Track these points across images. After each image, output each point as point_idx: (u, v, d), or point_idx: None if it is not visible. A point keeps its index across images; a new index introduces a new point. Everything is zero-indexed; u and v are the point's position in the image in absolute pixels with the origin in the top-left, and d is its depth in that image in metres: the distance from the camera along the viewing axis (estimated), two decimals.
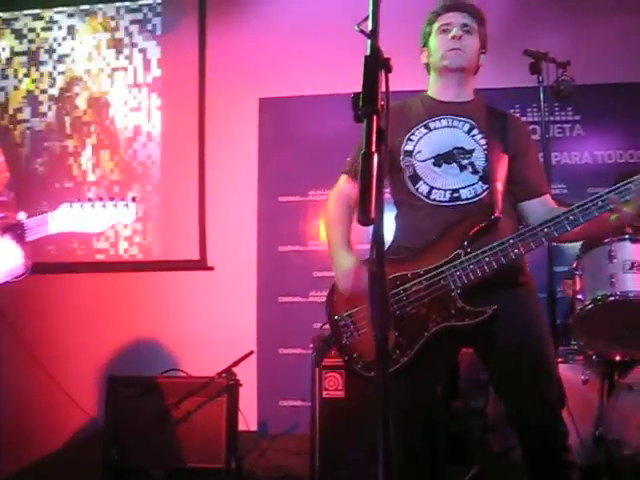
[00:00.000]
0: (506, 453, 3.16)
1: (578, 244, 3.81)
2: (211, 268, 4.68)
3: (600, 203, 2.00)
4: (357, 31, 1.41)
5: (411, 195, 2.25)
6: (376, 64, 1.26)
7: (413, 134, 2.27)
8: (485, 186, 2.20)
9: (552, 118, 4.54)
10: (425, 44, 2.37)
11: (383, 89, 1.27)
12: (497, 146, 2.23)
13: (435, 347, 2.11)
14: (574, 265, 3.05)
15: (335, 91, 4.09)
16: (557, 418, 2.17)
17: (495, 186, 2.18)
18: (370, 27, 1.30)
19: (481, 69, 2.38)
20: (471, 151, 2.23)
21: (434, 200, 2.21)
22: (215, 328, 4.43)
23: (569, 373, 3.17)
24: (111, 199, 2.44)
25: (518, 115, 4.54)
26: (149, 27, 4.93)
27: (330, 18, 4.51)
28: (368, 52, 1.28)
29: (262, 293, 4.58)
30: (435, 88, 2.36)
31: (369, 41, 1.29)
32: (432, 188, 2.22)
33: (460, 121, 2.28)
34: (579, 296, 2.94)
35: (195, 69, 4.85)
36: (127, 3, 4.96)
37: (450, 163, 2.22)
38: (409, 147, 2.26)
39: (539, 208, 2.27)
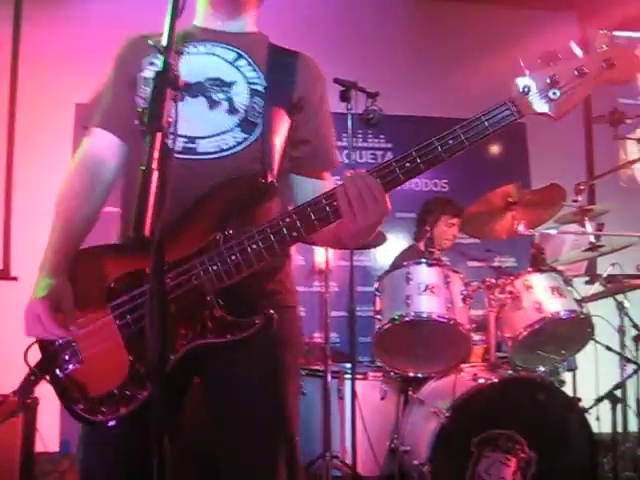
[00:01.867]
0: None
1: (385, 266, 4.04)
2: (15, 278, 4.41)
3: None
4: (151, 46, 1.39)
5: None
6: (165, 81, 1.25)
7: (156, 57, 1.57)
8: (245, 136, 1.58)
9: (365, 144, 4.79)
10: None
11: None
12: (279, 88, 1.65)
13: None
14: (376, 286, 3.19)
15: None
16: None
17: (272, 139, 1.59)
18: (164, 43, 1.29)
19: None
20: (231, 84, 1.62)
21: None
22: (15, 342, 4.15)
23: (368, 389, 3.33)
24: None
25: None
26: None
27: (152, 22, 4.45)
28: (160, 68, 1.27)
29: None
30: (203, 16, 1.75)
31: (162, 57, 1.28)
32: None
33: (225, 49, 1.67)
34: (378, 316, 3.07)
35: (7, 68, 4.58)
36: None
37: (197, 96, 1.59)
38: (149, 73, 1.61)
39: (318, 186, 1.67)
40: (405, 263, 3.11)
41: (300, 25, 4.68)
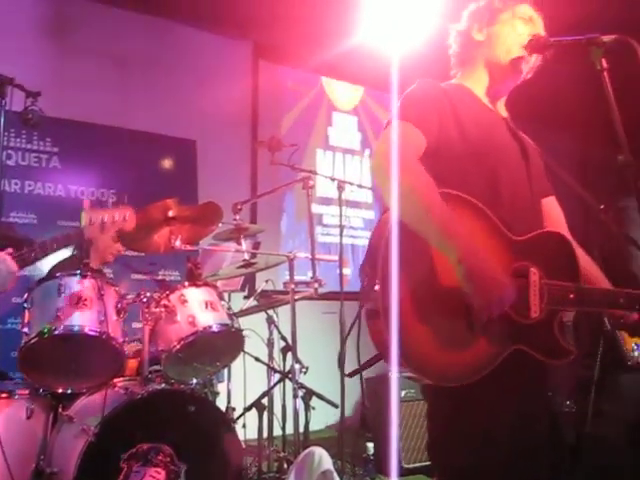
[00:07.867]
0: None
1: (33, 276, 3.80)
2: None
3: None
4: None
5: None
6: None
7: None
8: None
9: (29, 146, 4.54)
10: None
11: None
12: None
13: None
14: (25, 297, 2.99)
15: None
16: None
17: None
18: None
19: None
20: None
21: None
22: None
23: (12, 409, 3.08)
24: None
25: None
26: None
27: None
28: None
29: None
30: None
31: None
32: None
33: None
34: (25, 329, 2.88)
35: None
36: None
37: None
38: None
39: None
40: (58, 274, 2.97)
41: None
